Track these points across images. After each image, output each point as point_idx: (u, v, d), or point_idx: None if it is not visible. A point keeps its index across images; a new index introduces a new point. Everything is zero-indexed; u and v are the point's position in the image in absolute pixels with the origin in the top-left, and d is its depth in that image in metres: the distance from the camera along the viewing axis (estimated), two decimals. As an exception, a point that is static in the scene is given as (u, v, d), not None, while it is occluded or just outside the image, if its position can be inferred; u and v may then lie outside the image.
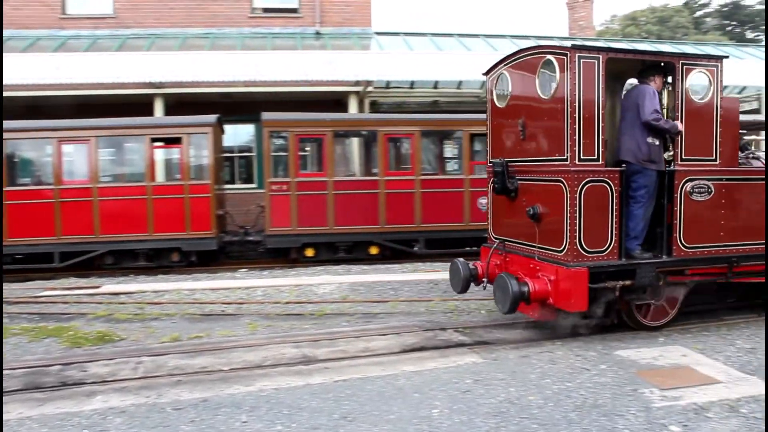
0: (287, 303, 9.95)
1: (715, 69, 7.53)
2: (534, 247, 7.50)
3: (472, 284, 8.32)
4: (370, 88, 18.57)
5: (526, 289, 7.07)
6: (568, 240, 6.98)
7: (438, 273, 12.29)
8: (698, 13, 49.43)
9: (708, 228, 7.61)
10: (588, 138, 6.96)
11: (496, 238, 8.37)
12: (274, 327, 8.50)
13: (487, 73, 8.65)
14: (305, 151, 15.51)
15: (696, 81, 7.51)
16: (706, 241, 7.62)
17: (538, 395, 5.62)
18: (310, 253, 13.75)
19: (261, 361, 6.79)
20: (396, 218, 13.85)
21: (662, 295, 7.74)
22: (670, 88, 7.65)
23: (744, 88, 22.42)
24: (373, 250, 14.00)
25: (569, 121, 6.89)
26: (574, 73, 6.85)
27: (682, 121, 7.40)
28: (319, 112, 15.05)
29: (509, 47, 20.18)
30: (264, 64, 15.85)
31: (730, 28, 49.34)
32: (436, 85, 20.28)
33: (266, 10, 20.13)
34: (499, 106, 8.32)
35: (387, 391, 5.78)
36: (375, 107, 20.19)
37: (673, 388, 5.77)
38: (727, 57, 7.83)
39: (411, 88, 20.42)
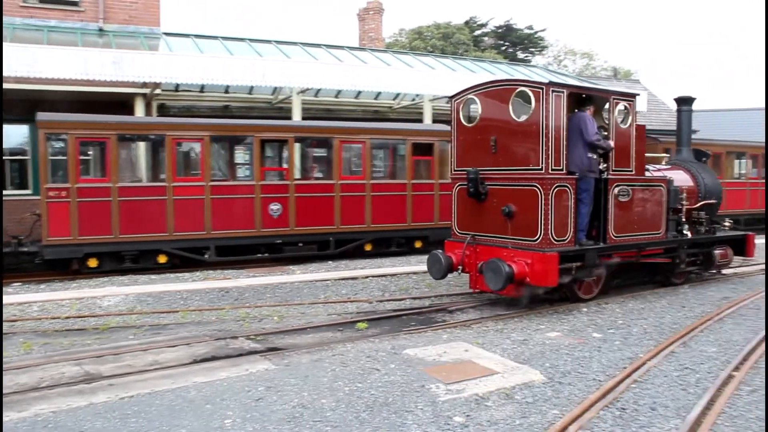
0: (67, 318, 9.40)
1: (632, 102, 10.23)
2: (506, 238, 9.47)
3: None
4: (158, 91, 17.92)
5: (511, 270, 8.87)
6: (542, 231, 9.03)
7: (230, 281, 12.22)
8: (477, 32, 53.08)
9: (628, 221, 10.16)
10: (556, 153, 9.08)
11: (461, 233, 10.24)
12: (53, 344, 7.99)
13: (452, 98, 10.56)
14: (87, 155, 14.63)
15: (621, 111, 10.12)
16: (627, 231, 10.17)
17: (330, 398, 5.82)
18: (93, 263, 12.99)
19: (37, 383, 6.37)
20: (185, 225, 13.50)
21: (594, 274, 10.02)
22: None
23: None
24: (162, 259, 13.54)
25: (544, 139, 8.95)
26: (548, 103, 8.91)
27: (613, 141, 9.81)
28: (103, 114, 14.25)
29: (301, 54, 20.54)
30: (40, 59, 14.66)
31: (504, 47, 53.62)
32: (227, 89, 20.05)
33: (42, 0, 18.67)
34: (466, 125, 10.28)
35: (177, 404, 5.69)
36: (163, 111, 19.53)
37: (456, 382, 6.25)
38: (639, 94, 10.70)
39: (201, 92, 20.03)
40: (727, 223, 12.87)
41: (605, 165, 9.92)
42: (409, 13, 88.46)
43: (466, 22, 52.35)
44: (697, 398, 5.75)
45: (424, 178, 16.28)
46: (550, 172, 9.00)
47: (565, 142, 9.19)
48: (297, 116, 18.63)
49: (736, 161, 23.30)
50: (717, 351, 7.36)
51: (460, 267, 10.03)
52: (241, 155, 17.11)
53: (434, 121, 20.74)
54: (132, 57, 15.74)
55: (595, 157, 9.66)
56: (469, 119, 10.29)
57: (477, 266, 9.69)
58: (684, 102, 12.69)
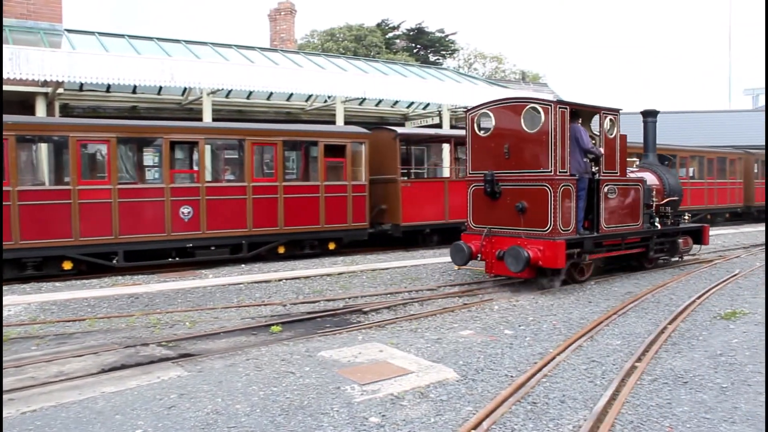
0: (-37, 329, 8.90)
1: (617, 116, 12.05)
2: (520, 230, 11.11)
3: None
4: (60, 90, 17.26)
5: (529, 256, 10.54)
6: (552, 223, 10.73)
7: (140, 286, 11.90)
8: (389, 35, 53.48)
9: (614, 215, 11.96)
10: (562, 158, 10.78)
11: (476, 227, 11.86)
12: (-53, 358, 7.55)
13: (468, 111, 12.21)
14: (-17, 157, 13.91)
15: (609, 123, 11.85)
16: (614, 223, 11.98)
17: (245, 403, 5.73)
18: (-10, 270, 12.38)
19: (-70, 399, 6.01)
20: (92, 230, 13.01)
21: (587, 259, 11.74)
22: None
23: (427, 104, 24.89)
24: (67, 266, 13.02)
25: (552, 147, 10.69)
26: (556, 117, 10.64)
27: (602, 148, 11.60)
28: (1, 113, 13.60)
29: (211, 55, 20.26)
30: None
31: (416, 50, 54.26)
32: (134, 90, 19.49)
33: (-72, -8, 17.65)
34: (481, 135, 11.91)
35: (85, 416, 5.50)
36: (67, 111, 18.81)
37: (371, 383, 6.26)
38: (621, 109, 12.21)
39: (107, 92, 19.41)
40: (686, 217, 14.95)
41: (596, 168, 11.63)
42: (321, 14, 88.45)
43: (379, 25, 52.69)
44: (604, 389, 5.99)
45: (336, 179, 16.28)
46: (557, 174, 10.68)
47: (568, 149, 10.84)
48: (208, 117, 18.33)
49: None
50: (621, 343, 7.69)
51: (479, 255, 11.52)
52: (150, 157, 16.68)
53: (346, 123, 20.80)
54: (31, 54, 15.10)
55: (588, 161, 11.46)
56: (483, 130, 11.87)
57: (494, 254, 11.26)
58: (649, 114, 14.55)
